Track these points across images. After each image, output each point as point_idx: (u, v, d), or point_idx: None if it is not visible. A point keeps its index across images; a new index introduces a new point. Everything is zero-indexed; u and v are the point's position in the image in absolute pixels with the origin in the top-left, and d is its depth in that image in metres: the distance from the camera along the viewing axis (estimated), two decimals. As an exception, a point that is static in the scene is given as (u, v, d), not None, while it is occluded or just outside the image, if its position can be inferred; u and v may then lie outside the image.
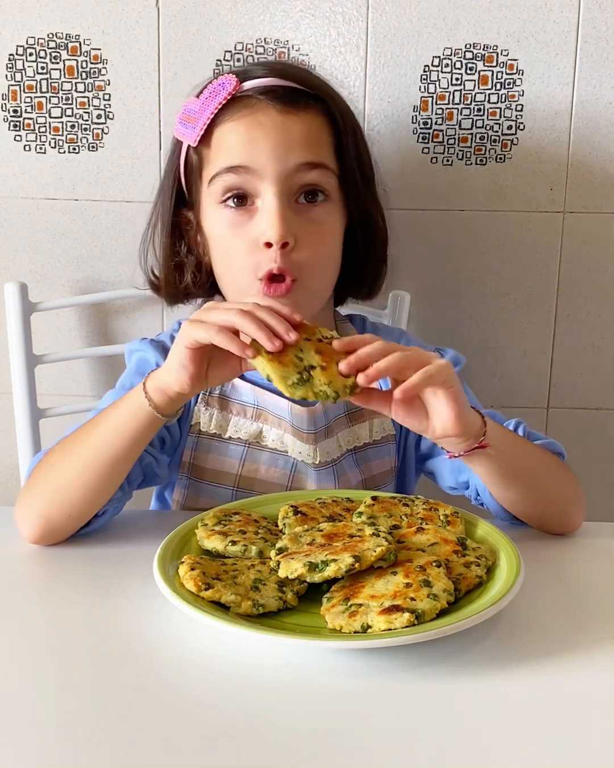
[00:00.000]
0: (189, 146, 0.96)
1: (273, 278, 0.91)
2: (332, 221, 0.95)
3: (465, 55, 1.19)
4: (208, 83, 0.94)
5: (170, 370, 0.82)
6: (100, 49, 1.20)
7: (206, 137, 0.93)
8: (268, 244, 0.89)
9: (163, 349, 1.01)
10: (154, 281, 1.06)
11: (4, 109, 1.23)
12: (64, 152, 1.24)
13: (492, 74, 1.19)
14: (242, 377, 1.00)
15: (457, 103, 1.20)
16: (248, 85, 0.92)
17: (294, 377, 0.75)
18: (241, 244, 0.92)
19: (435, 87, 1.20)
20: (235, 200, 0.92)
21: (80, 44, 1.20)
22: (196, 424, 1.00)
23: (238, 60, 1.19)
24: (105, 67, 1.21)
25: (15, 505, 0.88)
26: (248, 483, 0.99)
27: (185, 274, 1.00)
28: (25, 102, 1.22)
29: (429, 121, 1.21)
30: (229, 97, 0.92)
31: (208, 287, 1.02)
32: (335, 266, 0.97)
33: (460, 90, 1.20)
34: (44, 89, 1.22)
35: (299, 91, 0.93)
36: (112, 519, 0.92)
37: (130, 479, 0.91)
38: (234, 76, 0.93)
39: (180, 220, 1.01)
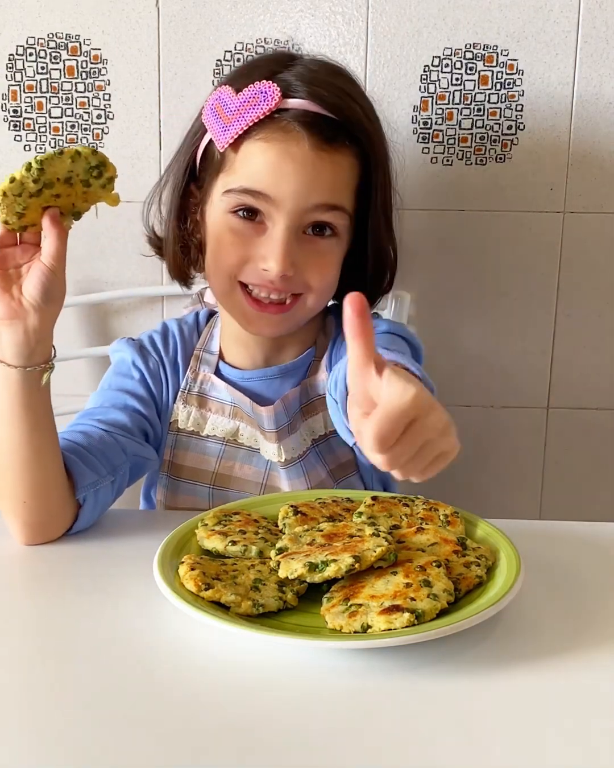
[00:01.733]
0: (211, 140, 0.95)
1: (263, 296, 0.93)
2: (335, 253, 0.95)
3: (465, 55, 1.19)
4: (252, 76, 0.91)
5: None
6: (100, 49, 1.20)
7: (234, 142, 0.92)
8: (266, 271, 0.91)
9: (140, 348, 1.03)
10: (150, 238, 1.05)
11: (4, 109, 1.23)
12: (64, 152, 1.24)
13: (492, 74, 1.19)
14: (220, 376, 1.02)
15: (457, 103, 1.20)
16: (290, 103, 0.90)
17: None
18: (235, 255, 0.92)
19: (435, 87, 1.20)
20: (246, 212, 0.92)
21: (80, 44, 1.20)
22: (175, 422, 1.01)
23: (238, 60, 1.19)
24: (105, 67, 1.21)
25: None
26: (224, 480, 1.00)
27: (190, 254, 1.01)
28: (25, 102, 1.22)
29: (429, 121, 1.21)
30: (268, 112, 0.89)
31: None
32: (333, 290, 0.98)
33: (460, 90, 1.20)
34: (44, 89, 1.22)
35: (337, 125, 0.91)
36: (109, 517, 0.92)
37: (114, 466, 0.91)
38: (277, 88, 0.89)
39: (188, 200, 1.00)
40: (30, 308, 0.81)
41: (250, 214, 0.92)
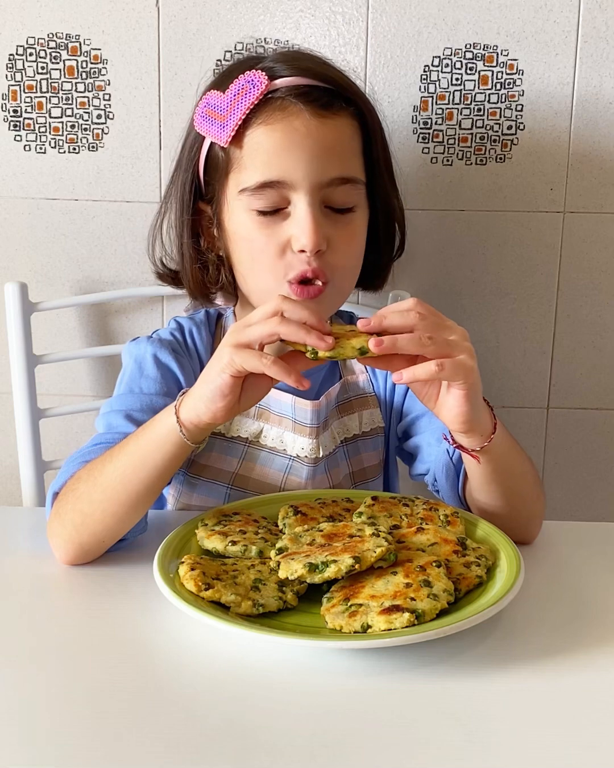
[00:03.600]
0: (212, 142, 0.94)
1: (304, 281, 0.91)
2: (360, 223, 0.95)
3: (465, 55, 1.19)
4: (232, 76, 0.92)
5: (204, 398, 0.79)
6: (100, 49, 1.20)
7: (236, 138, 0.91)
8: (302, 251, 0.89)
9: (172, 348, 0.99)
10: (161, 273, 1.06)
11: (4, 109, 1.23)
12: (64, 152, 1.24)
13: (492, 74, 1.19)
14: None
15: (457, 103, 1.20)
16: (279, 83, 0.91)
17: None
18: (271, 247, 0.91)
19: (435, 87, 1.20)
20: (267, 211, 0.91)
21: (80, 44, 1.20)
22: None
23: (238, 59, 1.19)
24: (105, 67, 1.21)
25: (47, 530, 0.85)
26: (243, 481, 1.00)
27: (210, 272, 0.99)
28: (25, 102, 1.22)
29: (429, 121, 1.21)
30: (260, 97, 0.90)
31: (234, 284, 1.01)
32: (359, 268, 0.98)
33: (460, 90, 1.20)
34: (44, 89, 1.22)
35: (330, 92, 0.92)
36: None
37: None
38: (263, 73, 0.90)
39: (199, 217, 0.99)
40: (237, 411, 0.81)
41: (272, 211, 0.91)
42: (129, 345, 1.02)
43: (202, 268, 1.00)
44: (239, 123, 0.90)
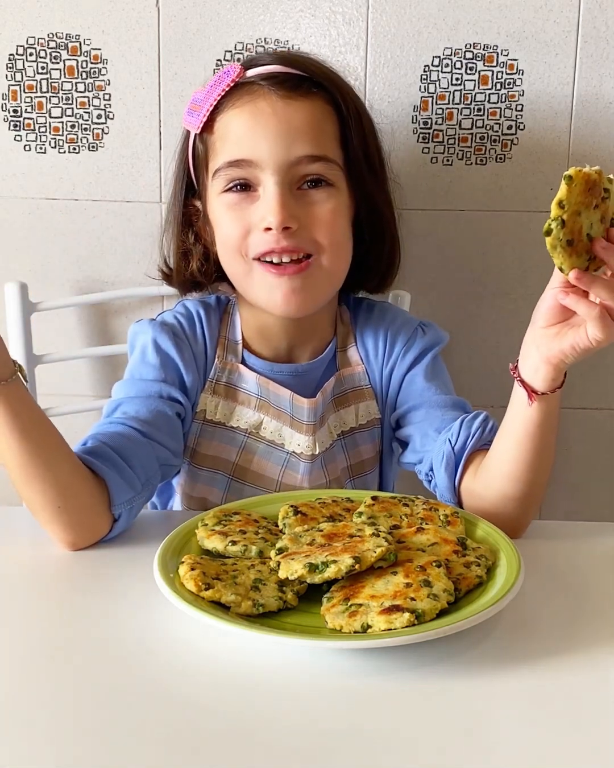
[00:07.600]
0: (195, 135, 0.97)
1: (278, 263, 0.92)
2: (335, 203, 0.95)
3: (465, 55, 1.19)
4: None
5: None
6: (100, 49, 1.20)
7: (209, 125, 0.94)
8: (269, 229, 0.91)
9: (173, 334, 1.00)
10: (164, 271, 1.07)
11: (4, 109, 1.23)
12: (64, 152, 1.24)
13: (492, 74, 1.19)
14: (247, 366, 1.01)
15: (457, 103, 1.20)
16: (251, 72, 0.93)
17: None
18: (238, 228, 0.93)
19: (435, 87, 1.20)
20: (239, 187, 0.93)
21: (80, 44, 1.20)
22: (202, 411, 1.00)
23: (238, 60, 1.19)
24: (105, 67, 1.21)
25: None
26: (241, 473, 1.01)
27: (191, 262, 1.01)
28: (25, 102, 1.22)
29: (429, 121, 1.21)
30: (232, 84, 0.92)
31: (214, 276, 1.02)
32: (347, 249, 0.98)
33: (460, 90, 1.20)
34: (44, 89, 1.22)
35: (302, 78, 0.94)
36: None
37: (148, 476, 0.90)
38: (238, 64, 0.94)
39: (189, 210, 1.02)
40: None
41: (243, 187, 0.93)
42: (133, 326, 1.03)
43: (184, 256, 1.01)
44: (210, 109, 0.93)
